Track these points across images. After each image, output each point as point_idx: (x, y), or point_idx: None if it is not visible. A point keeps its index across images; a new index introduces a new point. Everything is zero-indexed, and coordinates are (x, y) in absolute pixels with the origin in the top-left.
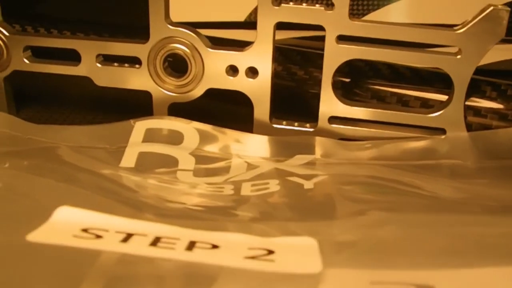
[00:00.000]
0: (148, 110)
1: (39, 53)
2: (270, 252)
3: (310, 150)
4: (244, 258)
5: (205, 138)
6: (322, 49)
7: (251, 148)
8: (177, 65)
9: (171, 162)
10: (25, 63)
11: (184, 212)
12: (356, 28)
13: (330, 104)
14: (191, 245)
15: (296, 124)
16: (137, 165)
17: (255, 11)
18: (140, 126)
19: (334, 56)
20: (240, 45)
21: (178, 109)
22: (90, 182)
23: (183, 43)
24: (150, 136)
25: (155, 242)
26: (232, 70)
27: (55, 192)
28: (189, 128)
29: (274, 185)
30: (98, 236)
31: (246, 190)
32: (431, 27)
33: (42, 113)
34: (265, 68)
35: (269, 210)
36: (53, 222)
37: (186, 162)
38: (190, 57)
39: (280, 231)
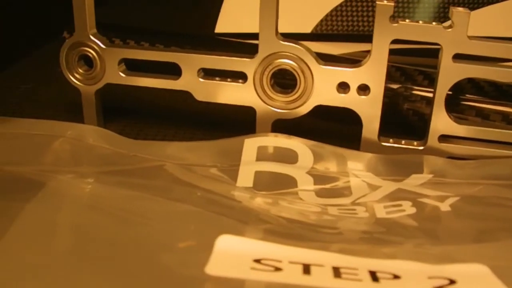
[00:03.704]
0: (238, 125)
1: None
2: (452, 281)
3: (421, 168)
4: None
5: (318, 156)
6: (420, 66)
7: (363, 166)
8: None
9: (289, 182)
10: (120, 76)
11: (336, 238)
12: (474, 46)
13: (441, 122)
14: (374, 276)
15: (403, 142)
16: (255, 185)
17: (321, 22)
18: (251, 144)
19: (449, 74)
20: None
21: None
22: (219, 204)
23: (292, 58)
24: (263, 154)
25: (337, 273)
26: (343, 87)
27: (193, 217)
28: (301, 146)
29: (408, 207)
30: (278, 269)
31: (381, 212)
32: None
33: (131, 127)
34: (378, 85)
35: (418, 234)
36: (221, 252)
37: (305, 181)
38: (299, 72)
39: (443, 257)
